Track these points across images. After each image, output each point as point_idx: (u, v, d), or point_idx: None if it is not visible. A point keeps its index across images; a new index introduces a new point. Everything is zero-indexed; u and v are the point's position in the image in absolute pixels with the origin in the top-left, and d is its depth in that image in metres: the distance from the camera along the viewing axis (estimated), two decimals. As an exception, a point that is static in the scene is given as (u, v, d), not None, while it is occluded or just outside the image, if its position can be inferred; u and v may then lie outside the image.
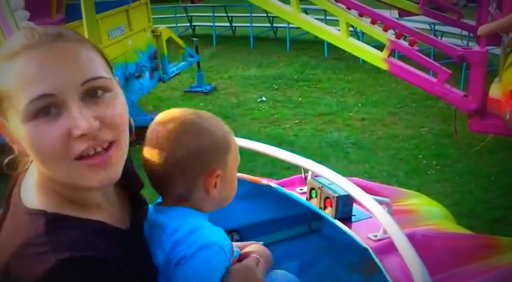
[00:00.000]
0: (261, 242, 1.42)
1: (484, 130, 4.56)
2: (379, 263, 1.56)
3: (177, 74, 7.54)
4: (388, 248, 1.60)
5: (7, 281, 0.85)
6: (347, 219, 1.81)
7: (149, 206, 1.16)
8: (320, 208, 1.84)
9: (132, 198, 1.12)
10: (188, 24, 12.23)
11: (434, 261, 1.75)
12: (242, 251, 1.25)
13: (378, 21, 4.69)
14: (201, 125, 1.10)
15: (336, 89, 7.94)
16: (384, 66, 4.37)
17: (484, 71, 4.35)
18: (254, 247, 1.32)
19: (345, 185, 1.70)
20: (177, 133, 1.07)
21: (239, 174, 1.99)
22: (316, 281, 2.21)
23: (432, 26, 8.69)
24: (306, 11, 9.89)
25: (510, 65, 4.18)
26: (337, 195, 1.76)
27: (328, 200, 1.79)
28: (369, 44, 5.02)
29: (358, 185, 1.87)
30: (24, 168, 1.00)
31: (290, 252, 2.25)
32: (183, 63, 7.67)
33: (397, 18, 8.06)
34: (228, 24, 11.87)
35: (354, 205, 1.85)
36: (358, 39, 7.11)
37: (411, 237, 1.75)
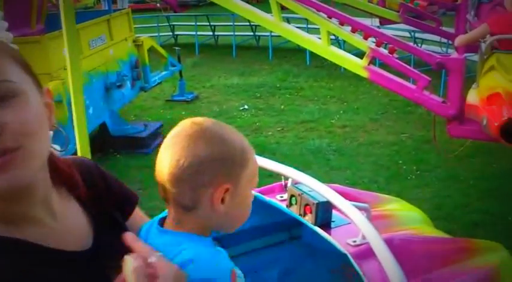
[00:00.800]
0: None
1: (462, 135, 4.63)
2: (358, 269, 1.58)
3: (159, 83, 7.53)
4: (366, 253, 1.63)
5: None
6: (327, 225, 1.83)
7: (148, 222, 1.08)
8: (300, 215, 1.86)
9: (102, 218, 1.04)
10: (171, 33, 12.23)
11: (412, 265, 1.77)
12: None
13: (358, 30, 4.75)
14: (217, 133, 1.02)
15: (318, 97, 8.01)
16: (364, 74, 4.42)
17: (461, 77, 4.43)
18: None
19: (324, 191, 1.72)
20: (191, 138, 1.01)
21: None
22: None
23: (412, 33, 8.81)
24: (288, 20, 10.02)
25: (487, 72, 4.27)
26: (317, 201, 1.78)
27: (308, 206, 1.81)
28: (350, 52, 5.09)
29: (338, 192, 1.90)
30: None
31: (270, 259, 2.26)
32: (165, 73, 7.66)
33: (378, 27, 8.20)
34: (211, 33, 11.91)
35: (334, 211, 1.87)
36: (339, 47, 7.20)
37: (389, 242, 1.77)
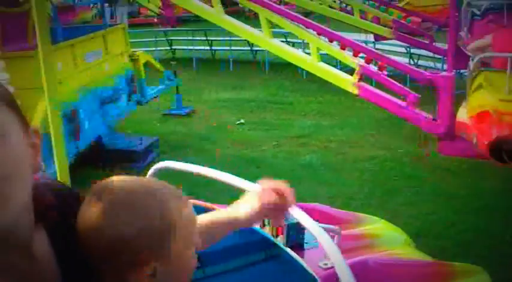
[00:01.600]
0: None
1: (453, 153, 4.63)
2: (326, 293, 1.57)
3: (155, 97, 7.55)
4: (336, 276, 1.62)
5: None
6: (299, 246, 1.82)
7: None
8: (272, 235, 1.85)
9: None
10: (169, 47, 12.31)
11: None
12: None
13: (348, 47, 4.78)
14: (130, 206, 0.88)
15: (310, 111, 8.02)
16: (354, 90, 4.44)
17: (451, 95, 4.44)
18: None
19: (294, 212, 1.71)
20: (102, 216, 0.88)
21: (193, 201, 2.01)
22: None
23: (408, 49, 8.86)
24: (285, 35, 10.08)
25: (476, 90, 4.28)
26: (288, 223, 1.77)
27: (280, 227, 1.81)
28: (345, 68, 5.10)
29: (316, 211, 1.89)
30: None
31: (249, 278, 2.24)
32: (161, 86, 7.69)
33: (373, 42, 8.25)
34: (208, 47, 11.98)
35: (309, 232, 1.86)
36: (336, 63, 7.23)
37: (362, 265, 1.77)
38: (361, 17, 7.90)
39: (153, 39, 12.03)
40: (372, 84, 5.15)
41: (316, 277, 1.62)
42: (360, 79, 4.43)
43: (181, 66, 9.50)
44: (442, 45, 7.47)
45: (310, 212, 1.70)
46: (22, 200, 0.85)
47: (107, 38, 6.53)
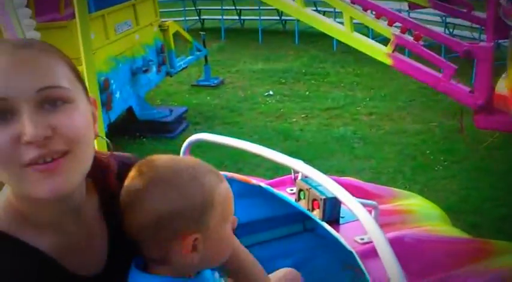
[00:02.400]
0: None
1: (490, 127, 4.48)
2: (362, 267, 1.54)
3: (184, 68, 7.53)
4: (373, 251, 1.58)
5: None
6: (335, 221, 1.79)
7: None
8: (308, 209, 1.82)
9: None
10: (197, 17, 12.21)
11: (423, 264, 1.72)
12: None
13: (383, 16, 4.63)
14: (175, 184, 0.95)
15: (344, 83, 7.89)
16: (388, 61, 4.31)
17: (490, 66, 4.27)
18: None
19: (331, 187, 1.67)
20: (148, 193, 0.94)
21: (227, 174, 1.99)
22: (310, 279, 2.19)
23: (443, 18, 8.58)
24: (315, 4, 9.86)
25: (517, 60, 4.11)
26: (324, 197, 1.74)
27: (316, 201, 1.77)
28: (377, 38, 4.97)
29: (351, 186, 1.85)
30: None
31: (284, 250, 2.24)
32: (190, 57, 7.66)
33: (407, 11, 7.99)
34: (237, 17, 11.82)
35: (344, 207, 1.82)
36: (368, 32, 7.05)
37: (399, 241, 1.73)
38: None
39: (182, 9, 11.93)
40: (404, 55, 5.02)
41: (353, 251, 1.59)
42: (395, 49, 4.29)
43: (210, 36, 9.41)
44: (481, 14, 7.20)
45: (345, 187, 1.66)
46: (88, 164, 0.92)
47: (137, 8, 6.52)
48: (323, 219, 1.76)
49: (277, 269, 1.60)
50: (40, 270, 0.92)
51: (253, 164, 4.98)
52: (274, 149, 1.87)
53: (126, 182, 0.99)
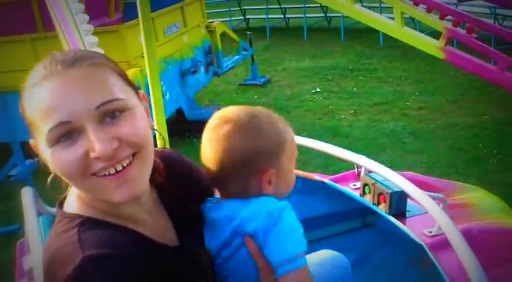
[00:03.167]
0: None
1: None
2: (434, 260, 1.56)
3: (231, 68, 7.63)
4: (443, 244, 1.60)
5: (50, 280, 0.92)
6: (401, 214, 1.81)
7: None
8: (374, 204, 1.85)
9: (179, 216, 1.13)
10: (242, 17, 12.31)
11: (491, 257, 1.72)
12: None
13: (434, 9, 4.56)
14: (257, 128, 1.10)
15: (392, 78, 7.81)
16: (440, 55, 4.24)
17: (547, 57, 4.15)
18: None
19: (398, 181, 1.71)
20: (234, 136, 1.08)
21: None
22: (372, 275, 2.22)
23: (493, 9, 8.37)
24: (361, 0, 9.79)
25: None
26: (391, 191, 1.77)
27: (382, 196, 1.80)
28: (424, 31, 4.90)
29: (413, 180, 1.87)
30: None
31: (344, 246, 2.26)
32: (237, 57, 7.75)
33: (455, 4, 7.84)
34: (282, 16, 11.87)
35: (409, 201, 1.85)
36: (415, 26, 6.96)
37: (467, 233, 1.73)
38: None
39: (227, 9, 12.06)
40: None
41: (423, 244, 1.61)
42: (447, 43, 4.23)
43: (255, 35, 9.48)
44: (533, 4, 6.99)
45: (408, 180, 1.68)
46: (152, 162, 0.99)
47: (185, 10, 6.65)
48: (389, 213, 1.79)
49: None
50: (139, 242, 0.99)
51: (301, 161, 5.02)
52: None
53: (210, 129, 1.11)
